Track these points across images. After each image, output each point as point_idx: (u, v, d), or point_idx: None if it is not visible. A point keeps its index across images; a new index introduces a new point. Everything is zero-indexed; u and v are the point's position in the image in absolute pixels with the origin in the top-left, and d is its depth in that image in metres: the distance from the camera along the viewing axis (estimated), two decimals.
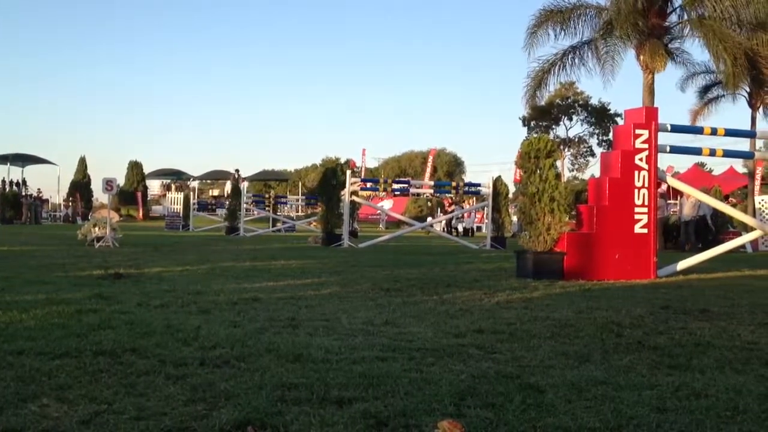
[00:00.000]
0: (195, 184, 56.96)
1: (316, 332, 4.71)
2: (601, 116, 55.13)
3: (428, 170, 56.56)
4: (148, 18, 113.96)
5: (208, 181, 66.59)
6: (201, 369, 3.58)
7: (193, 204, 33.23)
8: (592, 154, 58.03)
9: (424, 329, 4.91)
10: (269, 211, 31.08)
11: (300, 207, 40.89)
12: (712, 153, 11.01)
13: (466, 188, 21.36)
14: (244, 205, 27.86)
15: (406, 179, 25.63)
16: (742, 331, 5.06)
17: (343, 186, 18.84)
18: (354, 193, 19.31)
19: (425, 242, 23.16)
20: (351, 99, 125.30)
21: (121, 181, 54.74)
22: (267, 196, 34.25)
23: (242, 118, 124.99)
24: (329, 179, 19.44)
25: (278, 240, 22.65)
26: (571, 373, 3.63)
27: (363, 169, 54.87)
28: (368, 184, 22.92)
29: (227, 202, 29.13)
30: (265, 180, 62.88)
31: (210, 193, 63.54)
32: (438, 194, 26.87)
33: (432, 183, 26.91)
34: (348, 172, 19.21)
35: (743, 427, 2.81)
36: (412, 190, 22.68)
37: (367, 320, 5.26)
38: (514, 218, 25.12)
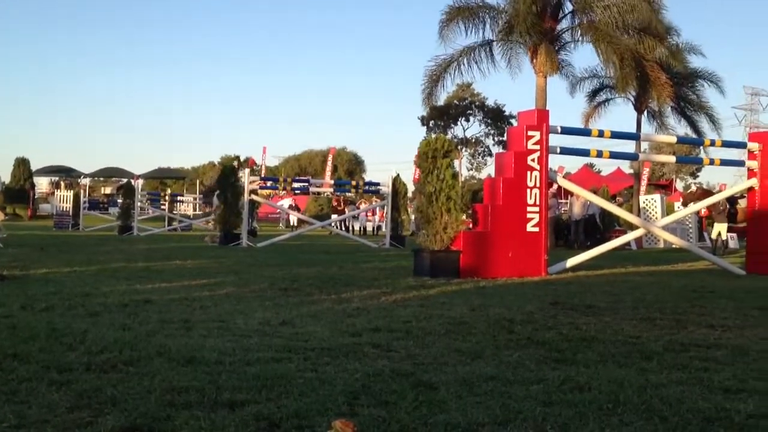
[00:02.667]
0: (86, 181, 54.83)
1: (210, 334, 4.62)
2: (497, 117, 56.44)
3: (328, 169, 56.48)
4: (37, 11, 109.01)
5: (101, 179, 64.33)
6: (87, 374, 3.46)
7: (84, 202, 32.02)
8: (489, 154, 59.34)
9: (321, 329, 4.91)
10: (165, 209, 30.33)
11: (197, 205, 40.05)
12: (600, 154, 11.47)
13: (366, 187, 21.49)
14: (138, 204, 27.03)
15: (306, 178, 25.54)
16: (625, 326, 5.30)
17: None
18: (253, 191, 19.11)
19: (325, 241, 23.12)
20: (251, 96, 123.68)
21: (6, 178, 52.20)
22: (163, 194, 33.41)
23: (137, 113, 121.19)
24: (228, 177, 19.17)
25: (174, 239, 22.11)
26: (464, 370, 3.71)
27: (263, 167, 54.24)
28: (268, 183, 22.74)
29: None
30: (161, 178, 61.26)
31: (102, 191, 61.48)
32: (338, 193, 26.87)
33: (332, 182, 26.92)
34: (247, 171, 19.00)
35: (623, 418, 2.93)
36: (313, 189, 22.65)
37: (264, 320, 5.21)
38: (413, 217, 25.43)
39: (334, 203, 33.96)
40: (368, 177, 59.15)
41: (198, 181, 60.54)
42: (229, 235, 18.20)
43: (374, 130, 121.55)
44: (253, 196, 19.12)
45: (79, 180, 53.00)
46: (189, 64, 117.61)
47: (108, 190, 62.15)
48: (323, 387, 3.28)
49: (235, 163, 23.63)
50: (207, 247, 17.59)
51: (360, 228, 34.62)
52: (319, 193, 32.34)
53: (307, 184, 21.45)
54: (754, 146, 11.54)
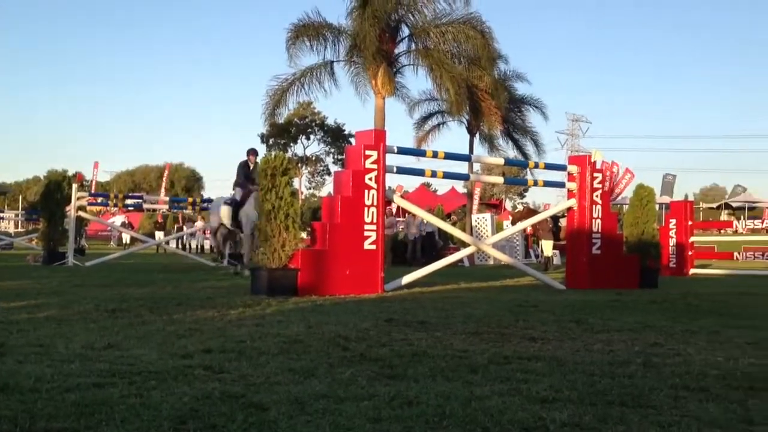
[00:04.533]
0: None
1: (27, 359, 4.33)
2: (336, 136, 57.07)
3: (164, 185, 54.74)
4: None
5: None
6: None
7: None
8: (329, 173, 59.84)
9: (149, 351, 4.72)
10: None
11: (20, 222, 37.55)
12: (434, 174, 11.86)
13: (204, 204, 21.00)
14: None
15: (139, 194, 24.61)
16: (454, 340, 5.49)
17: (69, 200, 17.68)
18: (81, 208, 18.19)
19: (159, 260, 22.34)
20: (82, 107, 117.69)
21: None
22: None
23: None
24: (53, 193, 18.12)
25: None
26: (296, 389, 3.69)
27: (93, 182, 51.65)
28: (98, 199, 21.73)
29: None
30: None
31: None
32: (174, 210, 26.11)
33: (167, 198, 26.11)
34: (75, 186, 18.05)
35: (449, 430, 3.03)
36: (146, 206, 21.89)
37: (87, 344, 4.94)
38: None
39: (159, 220, 32.97)
40: (207, 194, 57.96)
41: (21, 197, 56.86)
42: (53, 254, 17.19)
43: (213, 146, 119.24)
44: (81, 213, 18.20)
45: None
46: (17, 70, 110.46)
47: None
48: (148, 412, 3.15)
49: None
50: (28, 266, 16.52)
51: (197, 246, 33.80)
52: (153, 210, 31.28)
53: (140, 200, 20.70)
54: (573, 169, 12.37)
